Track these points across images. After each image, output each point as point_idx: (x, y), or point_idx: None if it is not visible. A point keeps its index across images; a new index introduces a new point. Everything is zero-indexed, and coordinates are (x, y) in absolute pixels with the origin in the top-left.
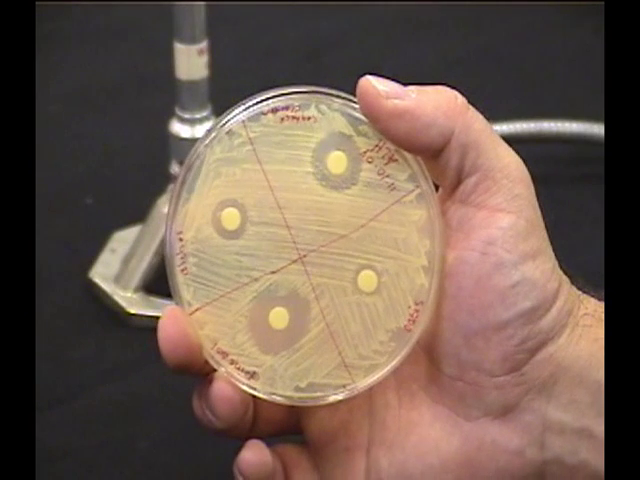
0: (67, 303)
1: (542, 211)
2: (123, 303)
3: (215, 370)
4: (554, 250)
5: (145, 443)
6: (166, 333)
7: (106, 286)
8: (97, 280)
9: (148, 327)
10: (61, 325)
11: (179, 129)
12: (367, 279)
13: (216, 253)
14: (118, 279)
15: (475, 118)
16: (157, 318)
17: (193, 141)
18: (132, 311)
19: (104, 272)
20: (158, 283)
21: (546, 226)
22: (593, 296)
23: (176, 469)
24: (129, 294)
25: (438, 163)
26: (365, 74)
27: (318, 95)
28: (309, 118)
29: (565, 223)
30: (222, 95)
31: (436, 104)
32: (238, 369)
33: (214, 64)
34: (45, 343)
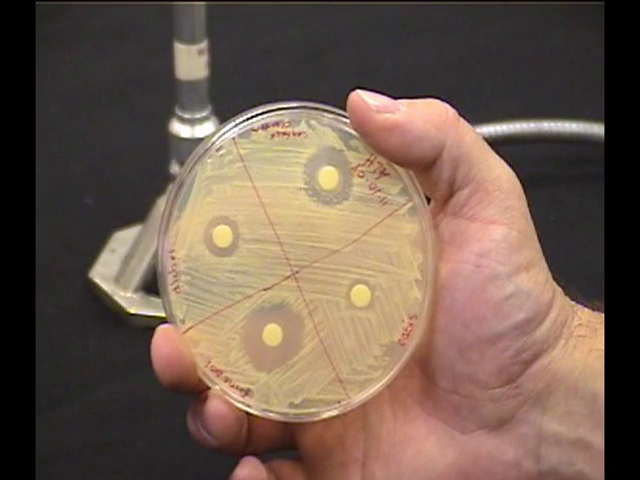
0: (67, 303)
1: (542, 211)
2: (123, 303)
3: (209, 388)
4: (554, 250)
5: (145, 443)
6: (160, 352)
7: (106, 286)
8: (97, 280)
9: (148, 327)
10: (61, 325)
11: (179, 129)
12: (360, 294)
13: (208, 271)
14: (118, 279)
15: (466, 130)
16: (157, 318)
17: (193, 141)
18: (132, 311)
19: (104, 272)
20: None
21: (546, 226)
22: (587, 306)
23: (176, 469)
24: (129, 294)
25: (430, 176)
26: (365, 74)
27: (308, 110)
28: (299, 134)
29: (565, 223)
30: (222, 95)
31: (427, 117)
32: (232, 386)
33: (214, 64)
34: (45, 343)
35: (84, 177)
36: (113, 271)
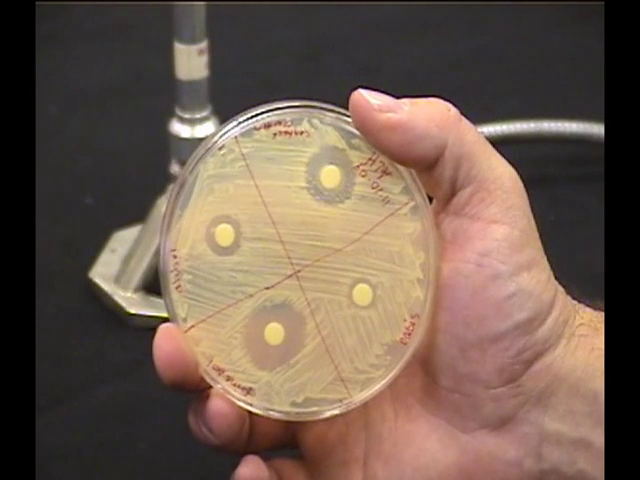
0: (67, 303)
1: (542, 211)
2: (123, 303)
3: (211, 387)
4: (555, 250)
5: (145, 443)
6: (161, 351)
7: (106, 286)
8: (97, 280)
9: (148, 327)
10: (61, 325)
11: (179, 129)
12: (362, 293)
13: (210, 270)
14: (118, 279)
15: (468, 129)
16: (157, 318)
17: (193, 141)
18: (132, 311)
19: (104, 272)
20: (158, 283)
21: (546, 226)
22: (589, 306)
23: (176, 469)
24: (129, 294)
25: (432, 175)
26: (365, 74)
27: (310, 109)
28: (302, 133)
29: (565, 223)
30: (222, 95)
31: (429, 116)
32: (234, 385)
33: (214, 64)
34: (45, 343)
35: (84, 177)
36: (113, 271)
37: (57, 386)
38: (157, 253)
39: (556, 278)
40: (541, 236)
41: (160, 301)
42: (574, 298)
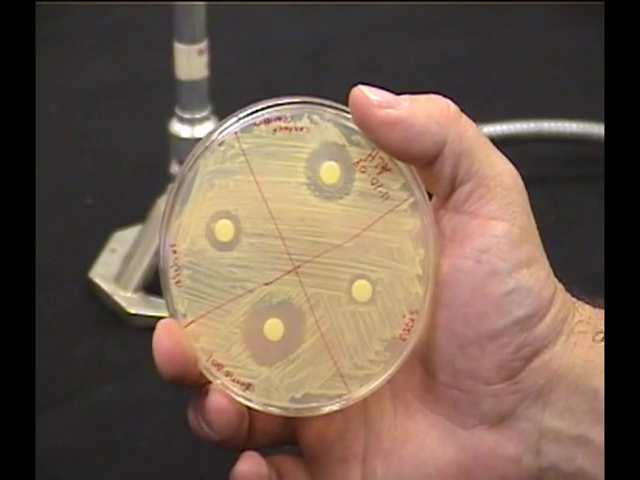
0: (67, 303)
1: (542, 211)
2: (123, 303)
3: (210, 382)
4: (555, 250)
5: (145, 443)
6: (161, 346)
7: (106, 286)
8: (97, 280)
9: (148, 327)
10: (61, 325)
11: (179, 129)
12: (362, 289)
13: (210, 265)
14: (118, 279)
15: (468, 126)
16: (157, 318)
17: (193, 141)
18: (132, 311)
19: (104, 272)
20: (158, 283)
21: (546, 226)
22: (588, 303)
23: (176, 469)
24: (129, 294)
25: (431, 171)
26: (365, 74)
27: (310, 105)
28: (302, 129)
29: (565, 223)
30: (222, 95)
31: (429, 112)
32: (233, 381)
33: (214, 64)
34: (45, 343)
35: (84, 177)
36: (113, 271)
37: (57, 386)
38: (157, 253)
39: (556, 276)
40: (541, 236)
41: (160, 301)
42: (573, 296)
